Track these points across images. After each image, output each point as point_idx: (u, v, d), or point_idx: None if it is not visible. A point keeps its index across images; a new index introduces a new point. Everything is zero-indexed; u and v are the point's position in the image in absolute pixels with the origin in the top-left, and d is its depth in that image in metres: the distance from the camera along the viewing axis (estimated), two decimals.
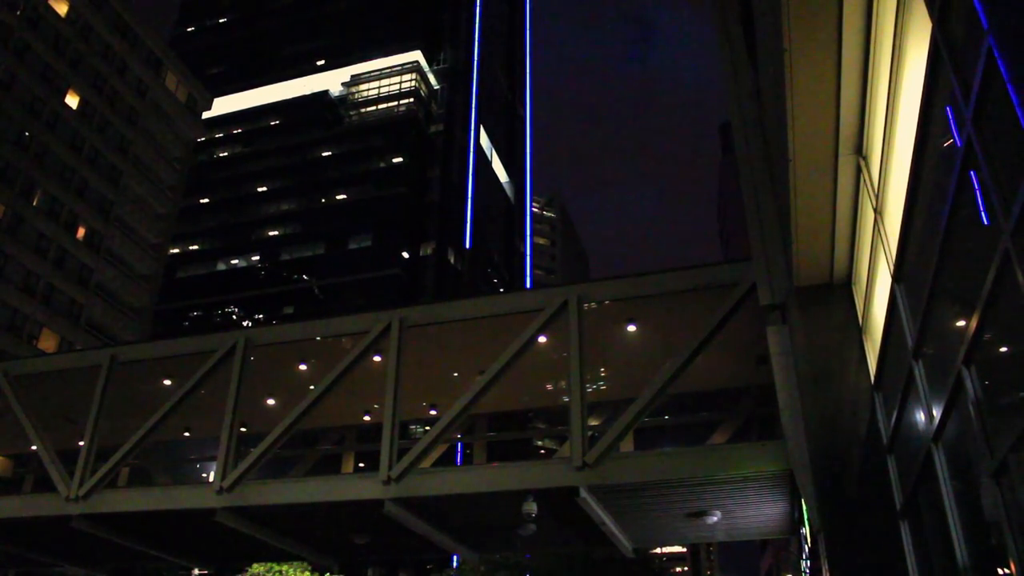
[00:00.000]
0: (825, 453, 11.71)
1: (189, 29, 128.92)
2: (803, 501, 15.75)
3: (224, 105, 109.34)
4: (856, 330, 11.84)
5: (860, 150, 9.21)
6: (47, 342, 62.59)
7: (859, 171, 9.48)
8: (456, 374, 22.47)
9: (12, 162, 61.32)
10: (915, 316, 8.26)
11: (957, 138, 5.88)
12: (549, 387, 23.64)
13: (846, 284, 11.94)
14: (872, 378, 11.36)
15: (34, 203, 63.11)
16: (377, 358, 20.57)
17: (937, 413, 7.78)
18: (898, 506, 10.54)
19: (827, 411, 11.81)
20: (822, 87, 8.34)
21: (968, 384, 6.49)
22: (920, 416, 8.67)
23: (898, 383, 9.55)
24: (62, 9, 68.07)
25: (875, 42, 7.79)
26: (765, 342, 13.68)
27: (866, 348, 11.67)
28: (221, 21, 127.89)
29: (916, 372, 8.46)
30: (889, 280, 9.17)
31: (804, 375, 12.12)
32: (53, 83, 66.06)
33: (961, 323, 6.76)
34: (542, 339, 19.03)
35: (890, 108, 7.91)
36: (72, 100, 68.06)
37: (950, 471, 7.90)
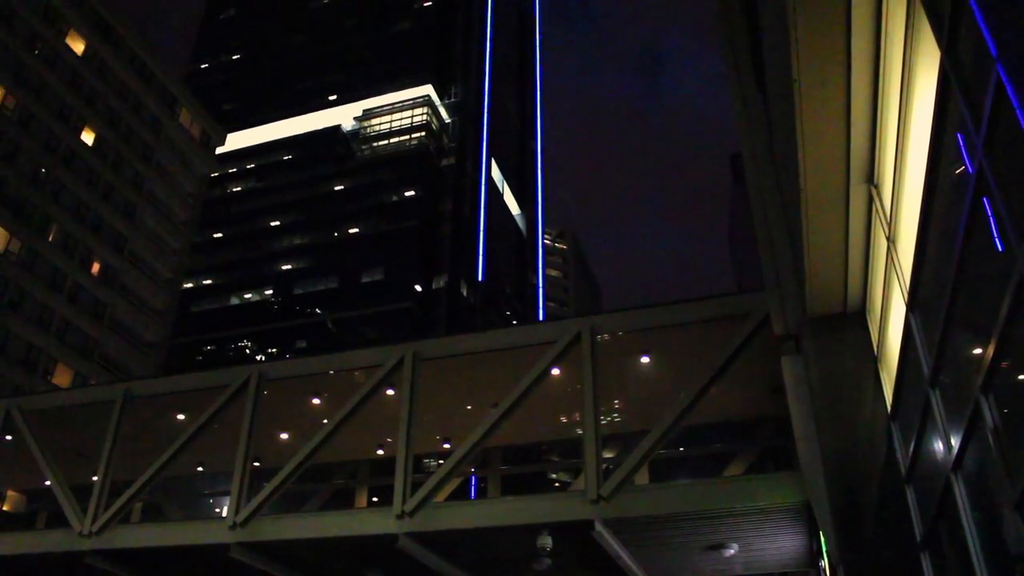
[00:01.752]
0: (842, 484, 11.60)
1: (203, 66, 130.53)
2: (821, 533, 15.56)
3: (237, 140, 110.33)
4: (871, 359, 11.77)
5: (871, 179, 9.21)
6: (61, 377, 62.81)
7: (871, 200, 9.47)
8: (469, 407, 22.42)
9: (28, 198, 61.96)
10: (931, 344, 8.20)
11: (969, 165, 5.88)
12: (563, 419, 23.55)
13: (860, 313, 11.89)
14: (889, 407, 11.26)
15: (49, 239, 63.64)
16: (390, 392, 20.55)
17: (956, 442, 7.70)
18: (918, 538, 10.40)
19: (843, 441, 11.71)
20: (832, 117, 8.36)
21: (986, 412, 6.43)
22: (938, 445, 8.58)
23: (915, 412, 9.47)
24: (79, 47, 69.07)
25: (884, 71, 7.82)
26: (780, 372, 13.61)
27: (882, 377, 11.59)
28: (234, 58, 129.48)
29: (933, 401, 8.39)
30: (904, 308, 9.13)
31: (820, 405, 12.04)
32: (69, 120, 66.89)
33: (977, 351, 6.71)
34: (555, 371, 18.99)
35: (901, 136, 7.93)
36: (88, 137, 68.85)
37: (970, 501, 7.80)
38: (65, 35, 67.78)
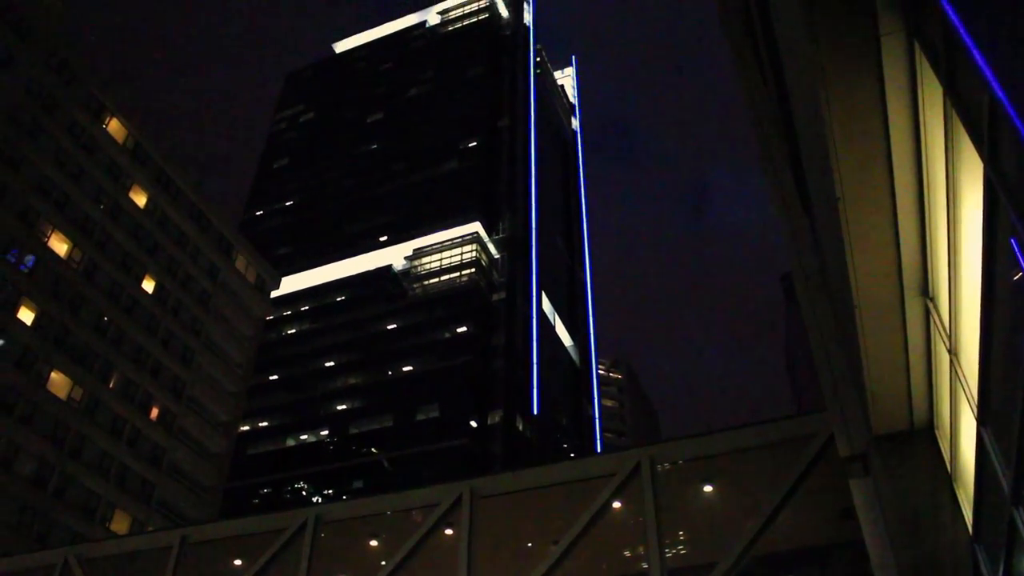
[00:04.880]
0: None
1: (258, 212, 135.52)
2: None
3: (292, 283, 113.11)
4: (945, 478, 11.30)
5: (926, 291, 9.08)
6: (119, 523, 62.91)
7: (928, 312, 9.31)
8: (530, 544, 21.86)
9: (91, 346, 63.77)
10: (1008, 459, 7.86)
11: None
12: (627, 554, 22.81)
13: (928, 429, 11.50)
14: (970, 529, 10.72)
15: (110, 385, 65.05)
16: (449, 531, 20.17)
17: None
18: None
19: (924, 568, 11.12)
20: (880, 232, 8.33)
21: None
22: None
23: (1000, 534, 8.99)
24: (141, 201, 72.43)
25: (928, 183, 7.83)
26: (849, 495, 13.13)
27: (959, 496, 11.09)
28: (287, 204, 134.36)
29: (1018, 521, 7.98)
30: (974, 423, 8.82)
31: (894, 529, 11.52)
32: (131, 270, 69.48)
33: None
34: (616, 504, 18.54)
35: (952, 246, 7.85)
36: (148, 285, 71.24)
37: None
38: (128, 189, 71.27)
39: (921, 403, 10.99)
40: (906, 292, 9.01)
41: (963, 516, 10.96)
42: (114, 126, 70.97)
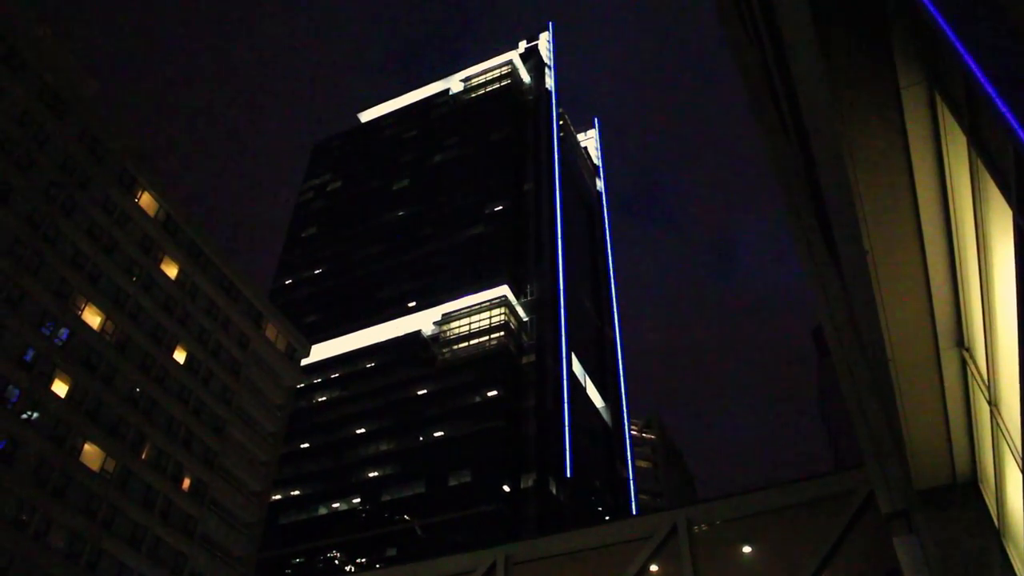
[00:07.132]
0: None
1: (287, 281, 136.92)
2: None
3: (322, 351, 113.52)
4: (993, 533, 10.99)
5: (962, 343, 8.96)
6: None
7: (964, 364, 9.17)
8: None
9: (124, 418, 64.12)
10: None
11: None
12: None
13: (972, 483, 11.23)
14: None
15: (143, 456, 65.19)
16: None
17: None
18: None
19: None
20: (910, 284, 8.27)
21: None
22: None
23: None
24: (172, 272, 73.42)
25: (957, 234, 7.77)
26: (893, 553, 12.79)
27: (1008, 551, 10.77)
28: (316, 272, 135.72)
29: None
30: (1020, 475, 8.61)
31: None
32: (163, 341, 70.13)
33: None
34: (653, 567, 18.20)
35: (986, 295, 7.76)
36: (180, 356, 71.79)
37: None
38: (160, 262, 72.32)
39: (963, 456, 10.76)
40: (941, 344, 8.90)
41: (1015, 571, 10.65)
42: (146, 200, 72.34)
